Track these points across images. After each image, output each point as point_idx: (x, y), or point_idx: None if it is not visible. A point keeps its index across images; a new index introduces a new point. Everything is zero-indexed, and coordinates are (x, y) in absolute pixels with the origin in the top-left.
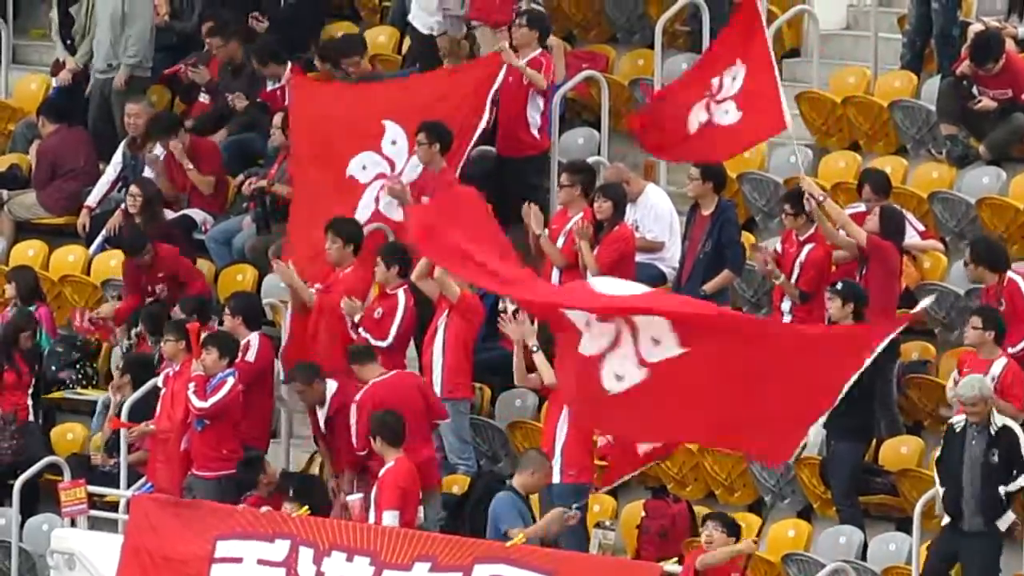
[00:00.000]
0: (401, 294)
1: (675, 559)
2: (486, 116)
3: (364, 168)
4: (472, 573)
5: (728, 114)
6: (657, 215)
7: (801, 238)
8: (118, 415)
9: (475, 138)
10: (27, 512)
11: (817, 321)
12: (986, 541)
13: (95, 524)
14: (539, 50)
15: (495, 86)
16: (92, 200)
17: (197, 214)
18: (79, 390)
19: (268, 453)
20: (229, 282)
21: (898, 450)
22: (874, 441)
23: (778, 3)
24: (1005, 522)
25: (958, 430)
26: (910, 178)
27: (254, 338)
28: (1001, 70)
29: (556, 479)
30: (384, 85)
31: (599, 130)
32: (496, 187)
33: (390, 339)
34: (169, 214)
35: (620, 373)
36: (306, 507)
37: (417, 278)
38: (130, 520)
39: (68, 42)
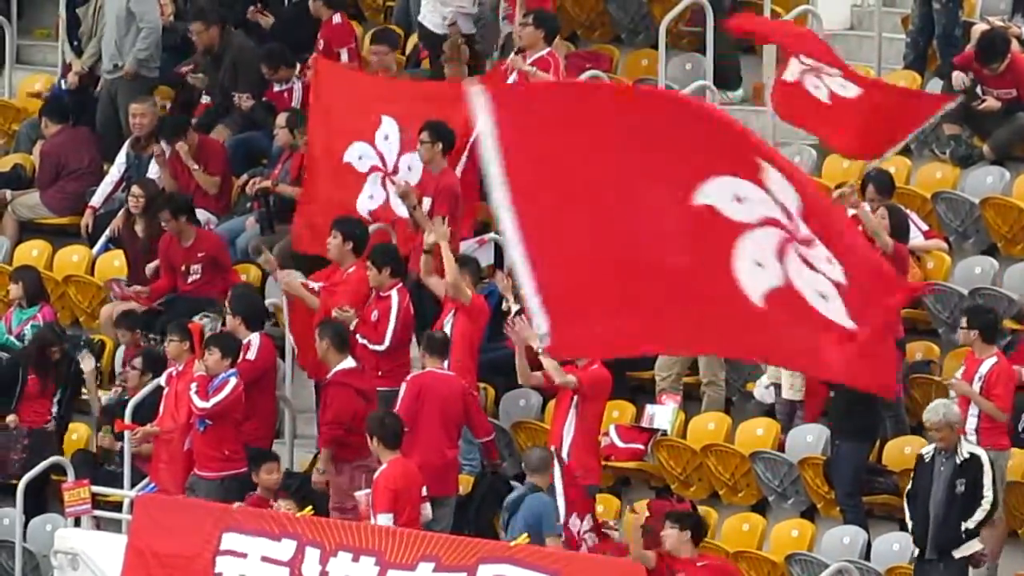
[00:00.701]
0: (395, 294)
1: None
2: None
3: (360, 158)
4: (476, 573)
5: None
6: None
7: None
8: (122, 416)
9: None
10: (32, 512)
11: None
12: (948, 571)
13: (101, 524)
14: (546, 50)
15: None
16: (96, 200)
17: (201, 214)
18: (84, 390)
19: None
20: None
21: (902, 450)
22: (878, 441)
23: (782, 3)
24: (964, 551)
25: (927, 459)
26: (914, 178)
27: (255, 338)
28: (1005, 70)
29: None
30: (395, 81)
31: None
32: None
33: (386, 343)
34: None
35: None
36: (310, 507)
37: (424, 276)
38: (134, 520)
39: (75, 43)
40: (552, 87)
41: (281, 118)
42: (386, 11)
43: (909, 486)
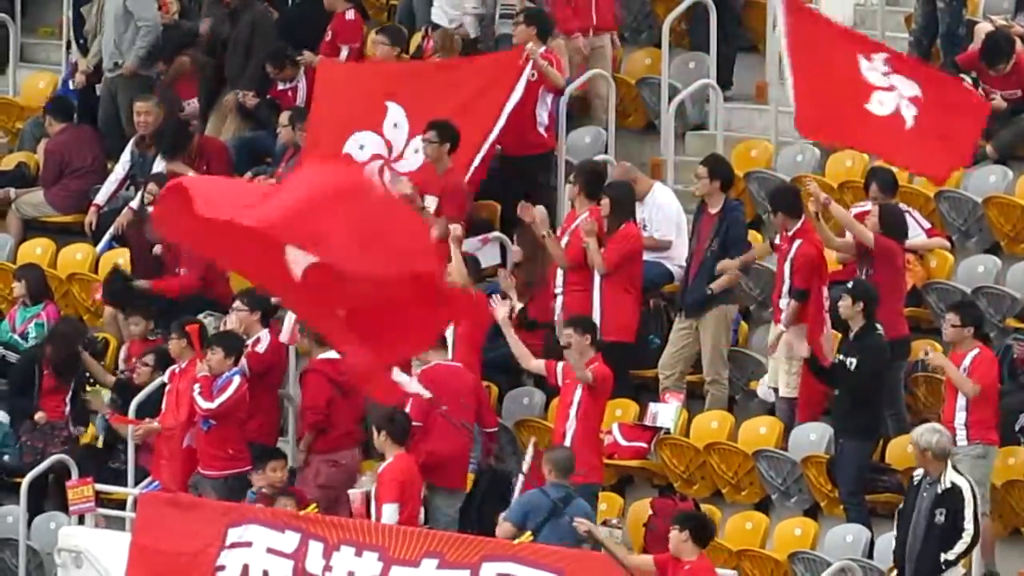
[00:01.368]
0: None
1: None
2: (502, 121)
3: (361, 148)
4: (480, 571)
5: (908, 110)
6: (664, 214)
7: (790, 233)
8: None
9: (489, 142)
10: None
11: (817, 320)
12: None
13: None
14: (543, 48)
15: (517, 90)
16: (100, 198)
17: None
18: (87, 387)
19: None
20: (237, 279)
21: (904, 449)
22: (881, 440)
23: None
24: None
25: (916, 482)
26: (917, 177)
27: (264, 333)
28: (1011, 70)
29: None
30: (395, 65)
31: (606, 129)
32: (502, 186)
33: None
34: None
35: None
36: (314, 504)
37: None
38: (137, 518)
39: (81, 41)
40: None
41: (284, 116)
42: (390, 9)
43: (902, 504)
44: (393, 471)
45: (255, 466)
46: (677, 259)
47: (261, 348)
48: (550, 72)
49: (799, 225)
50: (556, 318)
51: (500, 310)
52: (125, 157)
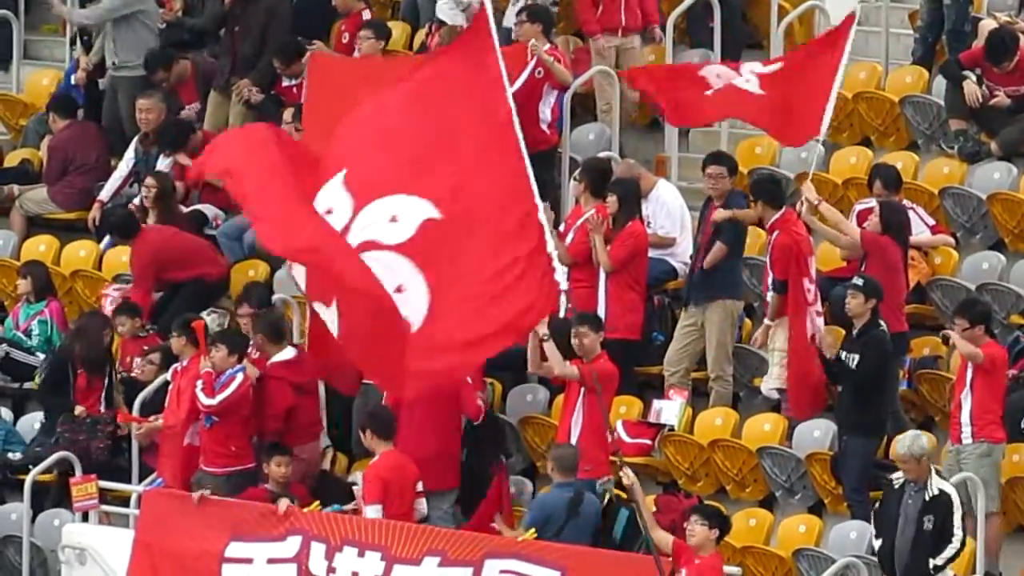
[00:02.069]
0: None
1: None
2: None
3: None
4: (483, 568)
5: (749, 83)
6: (668, 211)
7: (768, 224)
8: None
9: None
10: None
11: (798, 310)
12: None
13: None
14: (548, 45)
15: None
16: (105, 195)
17: (209, 209)
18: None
19: None
20: (241, 277)
21: None
22: (885, 437)
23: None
24: None
25: (897, 486)
26: (921, 173)
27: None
28: (1014, 67)
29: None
30: (391, 61)
31: (610, 126)
32: None
33: None
34: (181, 208)
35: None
36: (317, 502)
37: None
38: (141, 515)
39: (85, 38)
40: None
41: (287, 113)
42: (393, 6)
43: (876, 505)
44: (377, 470)
45: (261, 459)
46: (681, 256)
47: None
48: (556, 68)
49: (778, 216)
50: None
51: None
52: (129, 154)
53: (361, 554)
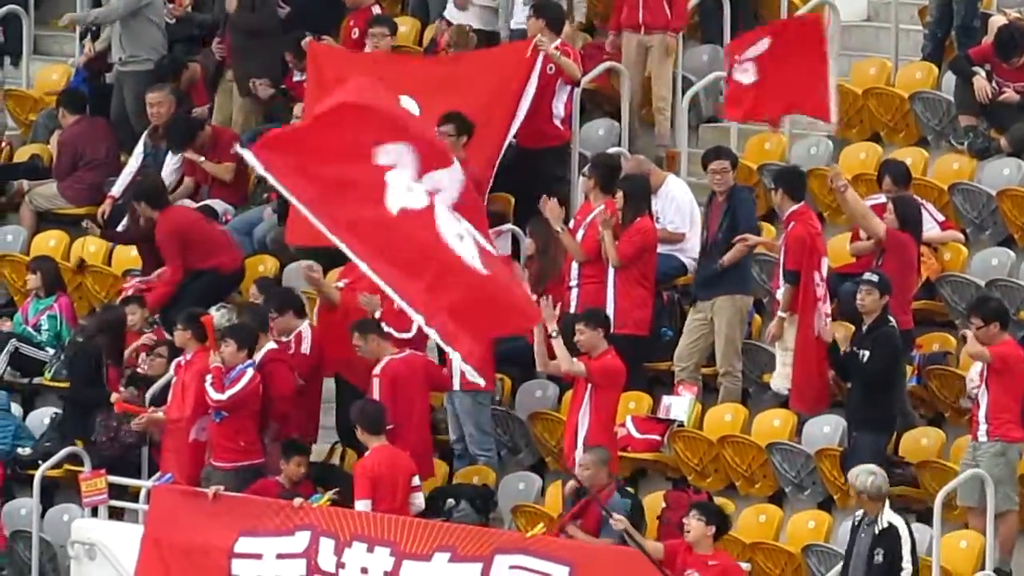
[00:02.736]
0: None
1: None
2: (521, 115)
3: None
4: (492, 564)
5: (747, 73)
6: (678, 206)
7: (784, 216)
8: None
9: (511, 135)
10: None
11: (807, 304)
12: None
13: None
14: (558, 40)
15: (532, 83)
16: (116, 190)
17: (218, 204)
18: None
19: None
20: (251, 272)
21: (919, 442)
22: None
23: None
24: None
25: (856, 523)
26: (931, 169)
27: (306, 329)
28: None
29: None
30: (402, 59)
31: (619, 121)
32: (517, 178)
33: (413, 331)
34: (191, 204)
35: None
36: (327, 498)
37: None
38: (150, 510)
39: (94, 28)
40: None
41: (298, 108)
42: (402, 2)
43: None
44: (365, 466)
45: (282, 456)
46: (690, 252)
47: (305, 348)
48: (565, 63)
49: (796, 208)
50: (571, 311)
51: (549, 323)
52: (139, 149)
53: (370, 549)
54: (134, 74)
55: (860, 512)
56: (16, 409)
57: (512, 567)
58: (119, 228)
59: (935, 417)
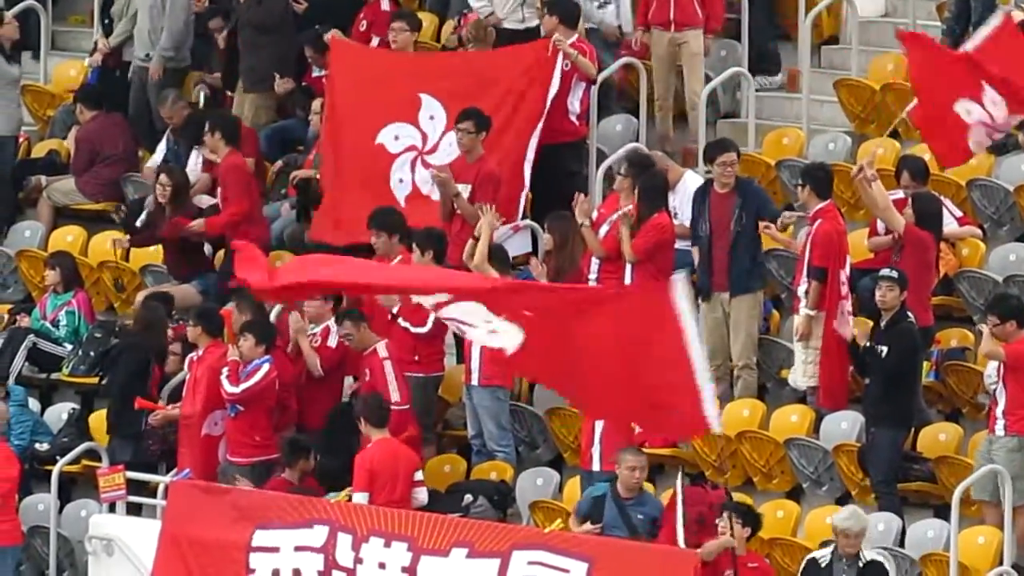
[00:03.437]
0: None
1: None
2: (544, 114)
3: (396, 138)
4: (510, 559)
5: (996, 106)
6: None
7: (810, 213)
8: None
9: (536, 134)
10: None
11: (833, 301)
12: None
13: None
14: (574, 36)
15: (555, 83)
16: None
17: None
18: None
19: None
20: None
21: (936, 437)
22: (913, 428)
23: None
24: None
25: (823, 565)
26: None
27: (334, 323)
28: None
29: (596, 467)
30: (424, 57)
31: (637, 117)
32: (534, 174)
33: (428, 326)
34: (208, 200)
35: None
36: (344, 492)
37: (466, 259)
38: (168, 506)
39: (106, 22)
40: None
41: (317, 103)
42: None
43: None
44: (364, 460)
45: (287, 462)
46: None
47: (332, 342)
48: (580, 61)
49: (823, 205)
50: None
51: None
52: (162, 146)
53: (387, 544)
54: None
55: (824, 555)
56: (34, 404)
57: (531, 563)
58: (137, 225)
59: (952, 413)
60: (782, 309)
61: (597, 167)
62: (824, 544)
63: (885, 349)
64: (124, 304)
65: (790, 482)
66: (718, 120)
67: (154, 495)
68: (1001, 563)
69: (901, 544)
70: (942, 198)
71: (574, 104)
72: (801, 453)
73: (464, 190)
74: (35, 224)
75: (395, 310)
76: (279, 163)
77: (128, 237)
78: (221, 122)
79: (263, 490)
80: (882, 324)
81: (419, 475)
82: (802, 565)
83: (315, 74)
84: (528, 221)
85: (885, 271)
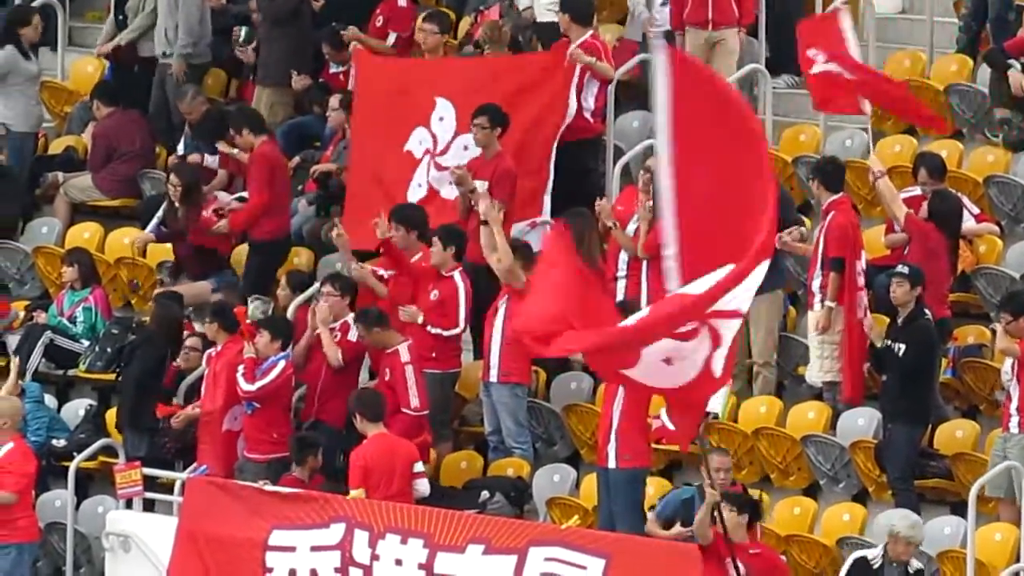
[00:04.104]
0: (457, 276)
1: None
2: (571, 113)
3: (420, 143)
4: (527, 556)
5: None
6: None
7: (823, 206)
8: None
9: (557, 136)
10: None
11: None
12: None
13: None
14: (588, 33)
15: (572, 89)
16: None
17: None
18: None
19: None
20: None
21: (953, 434)
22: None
23: None
24: None
25: (875, 566)
26: (966, 162)
27: (351, 318)
28: None
29: (612, 464)
30: (443, 62)
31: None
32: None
33: (460, 324)
34: (226, 196)
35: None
36: (361, 489)
37: (487, 251)
38: (185, 502)
39: (120, 16)
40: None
41: (334, 99)
42: None
43: None
44: (358, 456)
45: (296, 460)
46: None
47: (353, 336)
48: (598, 67)
49: (835, 198)
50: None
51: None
52: (182, 142)
53: (404, 541)
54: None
55: (876, 555)
56: (51, 401)
57: (547, 559)
58: (153, 221)
59: (969, 409)
60: (798, 306)
61: (614, 164)
62: (840, 540)
63: (902, 346)
64: (140, 301)
65: (807, 479)
66: None
67: (171, 491)
68: (1018, 560)
69: None
70: (960, 195)
71: (588, 101)
72: (818, 450)
73: (481, 187)
74: (52, 221)
75: (419, 320)
76: (296, 159)
77: (149, 235)
78: (243, 118)
79: (280, 489)
80: (899, 321)
81: (419, 466)
82: (849, 560)
83: (332, 70)
84: (545, 218)
85: (898, 267)
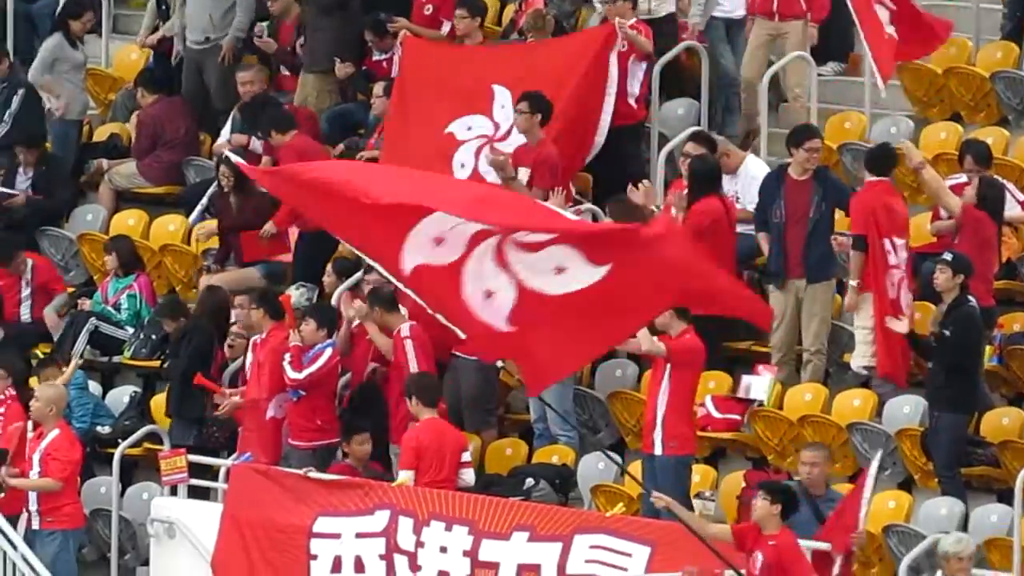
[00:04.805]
0: None
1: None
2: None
3: (469, 128)
4: (572, 543)
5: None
6: (758, 186)
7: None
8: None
9: (604, 120)
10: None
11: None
12: None
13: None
14: (634, 19)
15: (612, 69)
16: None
17: None
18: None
19: None
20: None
21: (999, 422)
22: (976, 413)
23: None
24: None
25: None
26: (1011, 149)
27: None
28: None
29: (658, 451)
30: (495, 49)
31: (699, 100)
32: (594, 157)
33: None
34: None
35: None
36: (406, 476)
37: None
38: (229, 489)
39: (163, 7)
40: None
41: (379, 87)
42: None
43: None
44: (410, 438)
45: (343, 439)
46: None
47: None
48: (638, 40)
49: (871, 179)
50: None
51: None
52: (226, 129)
53: (448, 528)
54: (217, 50)
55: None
56: (95, 388)
57: (593, 547)
58: (198, 208)
59: (1016, 397)
60: (843, 293)
61: (659, 151)
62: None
63: (947, 333)
64: (186, 288)
65: (853, 467)
66: (780, 104)
67: (216, 478)
68: None
69: (964, 529)
70: (1006, 182)
71: (633, 87)
72: (864, 437)
73: (524, 174)
74: (97, 208)
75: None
76: (341, 147)
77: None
78: (268, 122)
79: (324, 476)
80: (944, 308)
81: (466, 456)
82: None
83: (375, 58)
84: (589, 205)
85: (944, 254)
